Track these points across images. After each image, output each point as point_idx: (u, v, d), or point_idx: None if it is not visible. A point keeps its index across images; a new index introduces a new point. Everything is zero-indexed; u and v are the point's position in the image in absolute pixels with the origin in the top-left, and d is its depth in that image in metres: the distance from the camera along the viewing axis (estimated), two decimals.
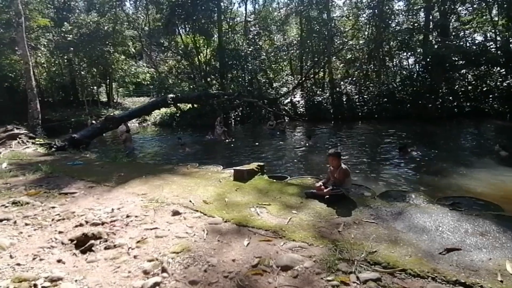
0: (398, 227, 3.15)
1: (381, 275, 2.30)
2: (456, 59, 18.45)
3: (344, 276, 2.29)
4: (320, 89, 23.13)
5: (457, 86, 18.81)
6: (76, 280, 2.25)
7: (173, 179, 5.23)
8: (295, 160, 9.27)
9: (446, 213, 3.44)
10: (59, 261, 2.54)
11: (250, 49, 22.79)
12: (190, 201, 3.99)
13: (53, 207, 3.88)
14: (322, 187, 4.11)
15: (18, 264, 2.50)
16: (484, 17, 20.25)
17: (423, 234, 2.97)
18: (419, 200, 4.04)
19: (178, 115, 21.22)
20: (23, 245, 2.86)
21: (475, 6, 20.53)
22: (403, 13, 22.07)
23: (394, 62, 24.68)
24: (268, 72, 26.07)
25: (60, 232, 3.12)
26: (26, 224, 3.34)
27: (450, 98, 18.05)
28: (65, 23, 23.10)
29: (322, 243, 2.80)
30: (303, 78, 24.27)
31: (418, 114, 17.09)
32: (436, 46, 18.87)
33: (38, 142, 10.63)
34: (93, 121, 16.00)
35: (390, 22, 21.68)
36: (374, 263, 2.46)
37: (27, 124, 13.09)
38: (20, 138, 10.64)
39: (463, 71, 18.94)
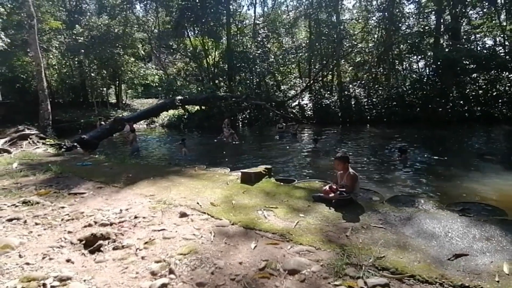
0: (407, 232, 3.11)
1: (389, 280, 2.27)
2: (467, 63, 18.25)
3: (351, 281, 2.26)
4: (329, 92, 23.09)
5: (468, 90, 18.59)
6: (84, 280, 2.27)
7: (181, 180, 5.25)
8: (303, 163, 9.24)
9: (455, 219, 3.39)
10: (68, 260, 2.57)
11: (258, 52, 22.88)
12: (198, 203, 4.00)
13: (63, 207, 3.93)
14: (329, 190, 4.09)
15: (27, 264, 2.53)
16: (493, 22, 20.07)
17: (432, 240, 2.93)
18: (428, 205, 3.99)
19: (185, 117, 21.41)
20: (32, 244, 2.90)
21: (484, 10, 20.35)
22: (413, 16, 21.90)
23: (404, 66, 24.49)
24: (276, 74, 26.12)
25: (69, 232, 3.16)
26: (36, 224, 3.38)
27: (461, 102, 17.84)
28: (77, 25, 23.54)
29: (330, 248, 2.78)
30: (311, 81, 24.27)
31: (427, 118, 16.93)
32: (447, 50, 18.67)
33: (48, 143, 10.79)
34: (102, 122, 16.20)
35: (400, 25, 21.54)
36: (382, 268, 2.43)
37: (37, 124, 13.32)
38: (31, 138, 10.82)
39: (474, 75, 18.71)
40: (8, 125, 12.46)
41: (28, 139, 10.71)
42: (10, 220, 3.47)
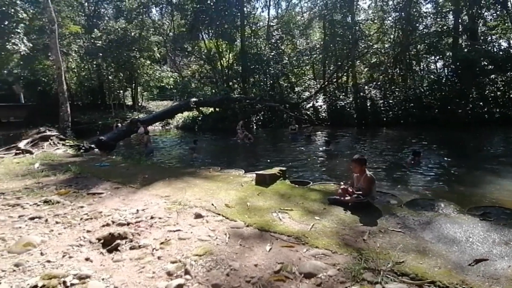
0: (427, 237, 3.03)
1: (408, 286, 2.21)
2: (486, 63, 17.74)
3: (369, 286, 2.22)
4: (343, 94, 22.82)
5: (487, 91, 18.04)
6: (103, 279, 2.31)
7: (196, 182, 5.29)
8: (317, 165, 9.16)
9: (476, 224, 3.30)
10: (87, 259, 2.62)
11: (272, 54, 22.89)
12: (212, 204, 4.01)
13: (82, 207, 4.02)
14: (345, 191, 4.03)
15: (48, 261, 2.60)
16: (506, 24, 19.52)
17: (453, 245, 2.86)
18: (449, 209, 3.87)
19: (200, 118, 21.59)
20: (53, 243, 2.98)
21: (498, 12, 19.86)
22: (431, 15, 21.40)
23: (421, 66, 23.94)
24: (290, 76, 26.05)
25: (88, 231, 3.23)
26: (57, 223, 3.48)
27: (481, 103, 17.30)
28: (95, 29, 24.18)
29: (346, 251, 2.73)
30: (326, 83, 24.04)
31: (446, 120, 16.46)
32: (465, 50, 18.19)
33: (68, 144, 11.11)
34: (119, 124, 16.53)
35: (417, 25, 21.08)
36: (401, 274, 2.37)
37: (58, 126, 13.72)
38: (51, 139, 11.17)
39: (493, 76, 18.15)
40: (30, 126, 12.88)
41: (49, 140, 11.07)
42: (32, 218, 3.58)
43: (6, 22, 17.77)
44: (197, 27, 24.29)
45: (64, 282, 2.23)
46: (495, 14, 20.61)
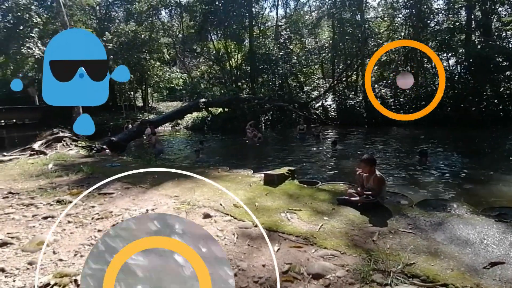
0: (439, 238, 2.98)
1: None
2: (501, 60, 17.29)
3: (379, 287, 2.19)
4: (353, 93, 22.58)
5: (502, 89, 17.57)
6: None
7: (204, 182, 5.31)
8: (326, 165, 9.08)
9: (491, 225, 3.22)
10: None
11: (280, 53, 22.81)
12: (221, 204, 4.03)
13: (93, 207, 4.09)
14: (354, 193, 3.99)
15: (61, 260, 2.65)
16: None
17: (466, 247, 2.80)
18: (461, 210, 3.79)
19: (209, 119, 21.68)
20: (65, 242, 3.04)
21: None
22: (443, 12, 20.98)
23: (433, 64, 23.46)
24: (299, 75, 25.92)
25: (99, 231, 3.28)
26: (69, 222, 3.55)
27: (495, 101, 16.86)
28: (106, 32, 24.52)
29: (356, 252, 2.71)
30: (335, 82, 23.86)
31: (459, 119, 16.11)
32: (479, 46, 17.77)
33: (80, 145, 11.31)
34: (129, 125, 16.71)
35: (428, 21, 20.70)
36: (412, 275, 2.34)
37: (70, 127, 13.97)
38: (64, 140, 11.40)
39: (508, 73, 17.67)
40: (44, 128, 13.18)
41: (62, 141, 11.29)
42: (45, 218, 3.67)
43: (21, 27, 18.27)
44: (205, 28, 24.43)
45: (76, 281, 2.28)
46: (509, 10, 20.07)
